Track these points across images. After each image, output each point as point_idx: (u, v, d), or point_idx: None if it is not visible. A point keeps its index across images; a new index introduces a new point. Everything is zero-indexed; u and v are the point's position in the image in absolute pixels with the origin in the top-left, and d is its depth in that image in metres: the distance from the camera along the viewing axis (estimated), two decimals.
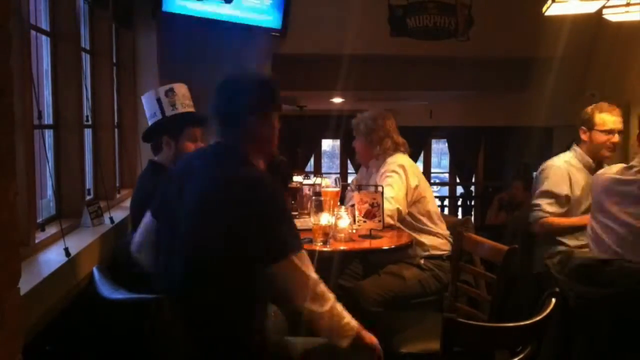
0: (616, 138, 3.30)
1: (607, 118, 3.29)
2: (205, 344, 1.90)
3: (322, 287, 1.94)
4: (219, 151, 2.02)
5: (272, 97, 2.06)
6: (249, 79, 2.08)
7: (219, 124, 2.03)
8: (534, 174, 3.49)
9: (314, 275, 1.93)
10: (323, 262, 2.65)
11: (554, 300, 1.93)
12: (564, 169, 3.33)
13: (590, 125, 3.31)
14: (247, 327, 1.95)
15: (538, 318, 1.89)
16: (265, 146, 2.08)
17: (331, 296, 1.95)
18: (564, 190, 3.28)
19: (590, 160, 3.34)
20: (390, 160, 3.25)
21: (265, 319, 2.06)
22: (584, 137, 3.36)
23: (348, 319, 1.97)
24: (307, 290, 1.90)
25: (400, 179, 3.13)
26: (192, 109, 2.79)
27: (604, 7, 3.21)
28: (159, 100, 2.70)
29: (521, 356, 1.89)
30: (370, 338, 2.02)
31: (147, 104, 2.76)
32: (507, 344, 2.02)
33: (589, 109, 3.35)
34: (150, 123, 2.76)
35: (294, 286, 1.90)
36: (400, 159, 3.26)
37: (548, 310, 1.90)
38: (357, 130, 3.37)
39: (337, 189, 3.11)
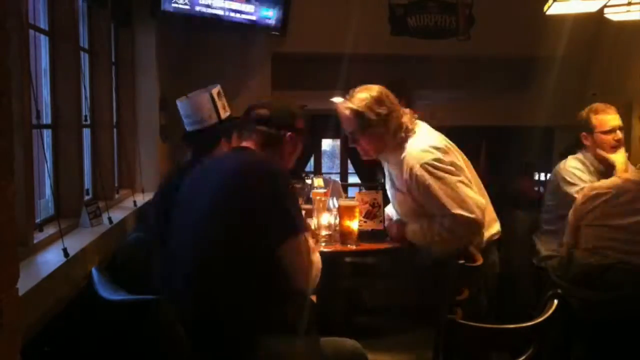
0: (619, 135, 3.30)
1: (605, 118, 3.28)
2: (212, 345, 1.88)
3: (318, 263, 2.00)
4: (237, 152, 2.15)
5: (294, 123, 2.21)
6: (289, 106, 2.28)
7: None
8: (550, 175, 3.49)
9: (315, 258, 2.00)
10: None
11: (555, 301, 1.93)
12: (580, 168, 3.33)
13: (589, 128, 3.31)
14: (259, 326, 1.92)
15: (540, 319, 1.88)
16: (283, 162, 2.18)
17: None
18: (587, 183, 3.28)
19: (599, 165, 3.33)
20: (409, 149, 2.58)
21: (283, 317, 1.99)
22: (586, 142, 3.35)
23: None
24: (309, 275, 1.95)
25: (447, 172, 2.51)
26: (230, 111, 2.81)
27: (605, 6, 3.20)
28: (214, 103, 2.67)
29: (523, 357, 1.88)
30: None
31: (198, 107, 2.67)
32: (509, 346, 2.02)
33: (584, 113, 3.35)
34: (198, 127, 2.68)
35: (295, 270, 1.93)
36: (423, 136, 2.63)
37: (550, 312, 1.90)
38: (347, 121, 2.72)
39: (325, 190, 3.05)
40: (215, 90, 2.69)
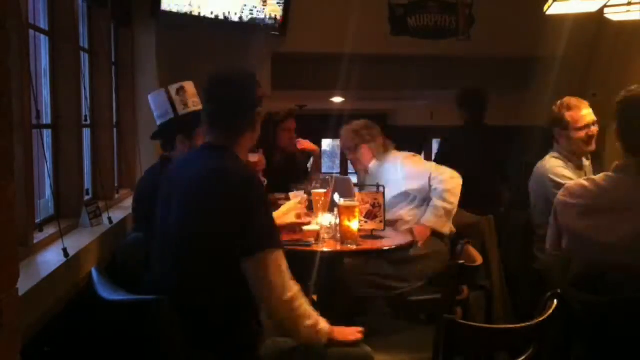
0: (593, 130, 3.25)
1: (579, 114, 3.23)
2: (199, 345, 1.90)
3: (294, 297, 1.89)
4: (208, 151, 2.07)
5: (257, 93, 2.11)
6: (237, 78, 2.12)
7: (209, 124, 2.07)
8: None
9: (286, 282, 1.89)
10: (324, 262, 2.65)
11: (555, 301, 1.92)
12: (563, 166, 3.30)
13: (563, 125, 3.26)
14: (236, 327, 1.96)
15: (540, 319, 1.88)
16: (253, 141, 2.15)
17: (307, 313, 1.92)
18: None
19: (574, 158, 3.31)
20: (404, 159, 3.38)
21: (254, 319, 2.04)
22: (560, 138, 3.31)
23: (319, 325, 1.96)
24: (275, 295, 1.87)
25: (427, 162, 3.50)
26: (200, 107, 2.79)
27: (605, 6, 3.20)
28: (170, 99, 2.71)
29: (523, 357, 1.88)
30: (344, 335, 2.02)
31: (157, 102, 2.76)
32: (509, 346, 2.01)
33: (556, 109, 3.28)
34: (160, 122, 2.76)
35: (262, 286, 1.88)
36: (406, 154, 3.47)
37: (550, 312, 1.89)
38: (347, 138, 3.48)
39: (325, 190, 3.03)
40: (174, 86, 2.74)
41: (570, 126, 3.24)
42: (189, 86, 2.79)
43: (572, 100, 3.28)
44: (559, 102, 3.31)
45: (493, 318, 3.32)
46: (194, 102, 2.74)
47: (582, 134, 3.24)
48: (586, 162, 3.41)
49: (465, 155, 4.29)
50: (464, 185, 3.25)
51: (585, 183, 2.42)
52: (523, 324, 1.87)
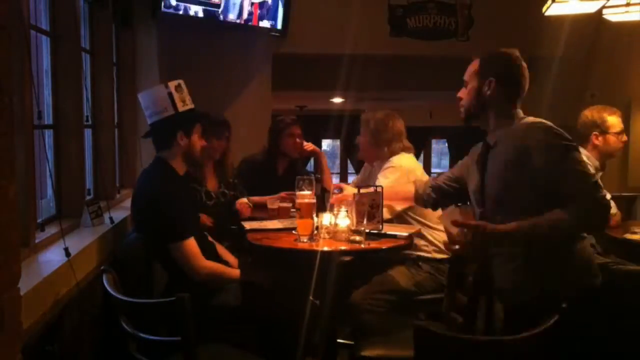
0: (625, 137, 3.39)
1: (617, 120, 3.36)
2: None
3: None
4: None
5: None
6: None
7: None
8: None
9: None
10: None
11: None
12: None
13: (604, 128, 3.35)
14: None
15: (528, 334, 1.64)
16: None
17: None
18: None
19: (598, 164, 3.39)
20: (394, 158, 3.27)
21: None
22: (596, 141, 3.38)
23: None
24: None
25: (397, 177, 3.15)
26: (193, 106, 2.78)
27: (604, 7, 3.21)
28: (170, 95, 2.65)
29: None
30: None
31: (155, 99, 2.68)
32: None
33: (594, 113, 3.38)
34: (156, 118, 2.68)
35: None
36: (404, 159, 3.27)
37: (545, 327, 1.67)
38: (366, 127, 3.35)
39: (311, 192, 2.94)
40: (173, 83, 2.70)
41: (611, 130, 3.35)
42: (184, 85, 2.76)
43: (607, 106, 3.42)
44: (592, 107, 3.42)
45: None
46: (190, 99, 2.74)
47: (617, 138, 3.36)
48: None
49: None
50: None
51: None
52: (500, 337, 1.73)
